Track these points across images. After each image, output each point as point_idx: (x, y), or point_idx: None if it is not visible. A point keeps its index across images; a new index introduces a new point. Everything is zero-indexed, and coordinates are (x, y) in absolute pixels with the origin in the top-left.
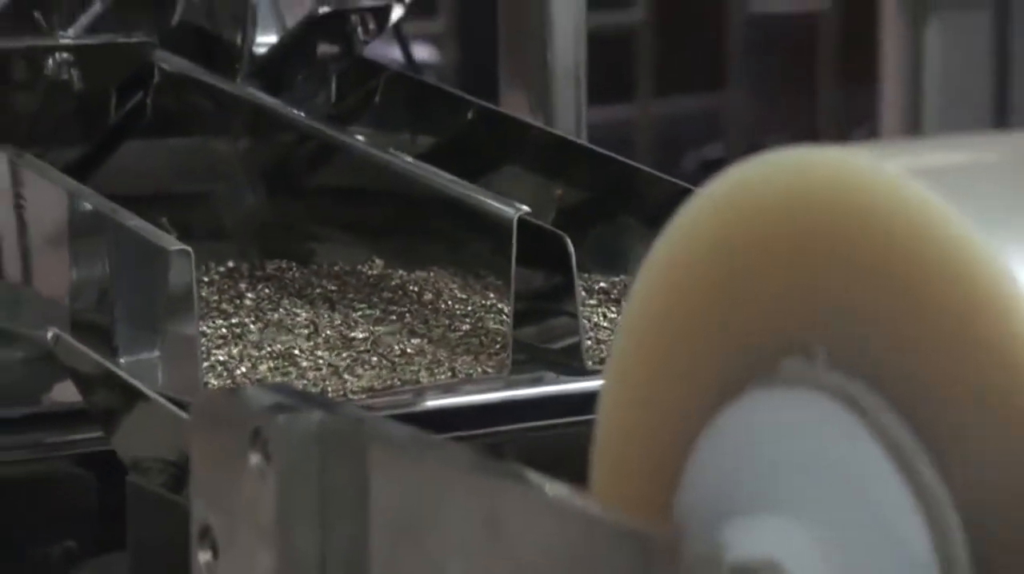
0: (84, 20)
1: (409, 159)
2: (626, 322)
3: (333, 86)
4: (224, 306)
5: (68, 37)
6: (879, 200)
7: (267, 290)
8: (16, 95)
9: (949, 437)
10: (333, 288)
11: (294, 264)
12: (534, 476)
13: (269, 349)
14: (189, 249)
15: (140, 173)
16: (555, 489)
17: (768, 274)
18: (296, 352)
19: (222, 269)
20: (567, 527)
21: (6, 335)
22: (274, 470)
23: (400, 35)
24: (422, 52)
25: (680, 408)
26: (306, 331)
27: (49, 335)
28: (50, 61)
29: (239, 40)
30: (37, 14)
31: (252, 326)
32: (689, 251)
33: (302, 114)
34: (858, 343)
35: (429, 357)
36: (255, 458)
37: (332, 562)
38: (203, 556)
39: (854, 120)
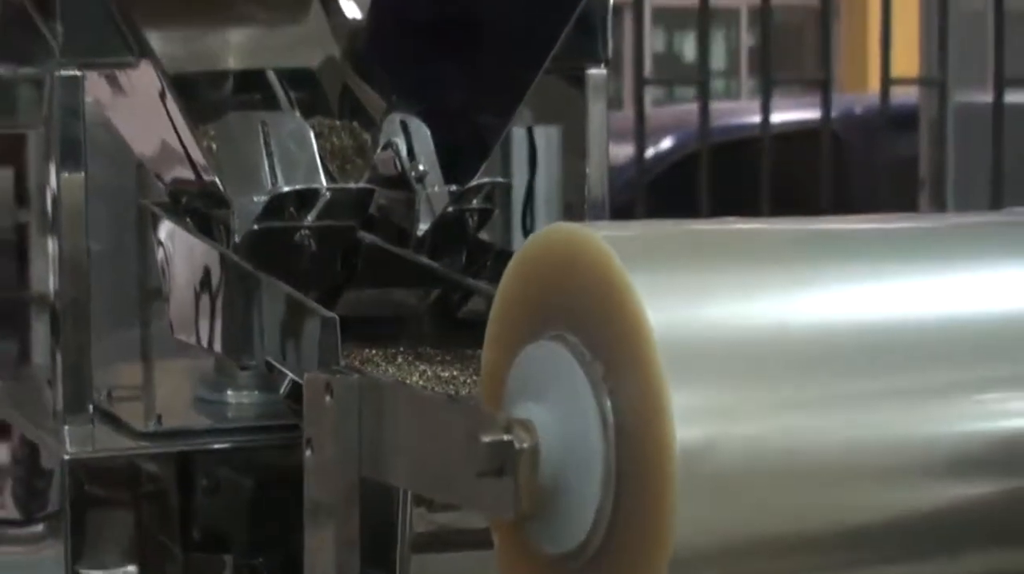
0: (314, 213)
1: None
2: (493, 311)
3: (464, 255)
4: (382, 364)
5: (307, 222)
6: (581, 251)
7: (404, 357)
8: (279, 257)
9: (611, 355)
10: (448, 358)
11: (431, 350)
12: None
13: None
14: (335, 317)
15: (357, 305)
16: (451, 400)
17: (545, 287)
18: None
19: (387, 350)
20: (453, 415)
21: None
22: (335, 403)
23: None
24: None
25: (511, 350)
26: (414, 374)
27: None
28: (297, 236)
29: (409, 227)
30: (291, 209)
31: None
32: (515, 276)
33: (449, 271)
34: (577, 319)
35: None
36: (327, 398)
37: (365, 450)
38: (307, 452)
39: None
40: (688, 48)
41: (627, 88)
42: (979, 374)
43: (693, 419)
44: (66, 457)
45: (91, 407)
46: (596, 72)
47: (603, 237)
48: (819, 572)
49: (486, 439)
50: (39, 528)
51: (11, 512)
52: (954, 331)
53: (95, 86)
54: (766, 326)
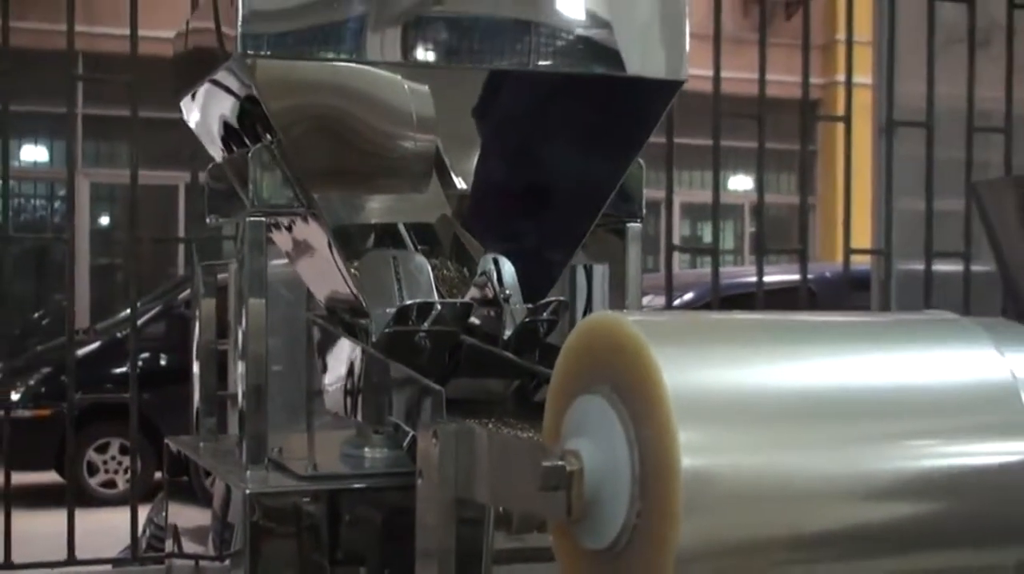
0: (429, 321)
1: None
2: (553, 374)
3: (537, 354)
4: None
5: (424, 328)
6: (616, 330)
7: (493, 424)
8: (403, 353)
9: (637, 404)
10: (525, 426)
11: (514, 421)
12: (513, 436)
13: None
14: (441, 389)
15: (459, 390)
16: (522, 437)
17: (589, 356)
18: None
19: (480, 421)
20: (522, 448)
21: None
22: (439, 444)
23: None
24: None
25: (566, 401)
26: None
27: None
28: (416, 337)
29: (497, 333)
30: (413, 317)
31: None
32: (569, 348)
33: (527, 364)
34: (613, 378)
35: None
36: (433, 441)
37: (459, 477)
38: (419, 481)
39: None
40: (707, 233)
41: (662, 257)
42: (905, 426)
43: (696, 451)
44: (247, 492)
45: (266, 459)
46: (633, 226)
47: (631, 320)
48: (787, 567)
49: (546, 464)
50: (227, 563)
51: (210, 551)
52: (885, 394)
53: (282, 240)
54: (754, 384)
